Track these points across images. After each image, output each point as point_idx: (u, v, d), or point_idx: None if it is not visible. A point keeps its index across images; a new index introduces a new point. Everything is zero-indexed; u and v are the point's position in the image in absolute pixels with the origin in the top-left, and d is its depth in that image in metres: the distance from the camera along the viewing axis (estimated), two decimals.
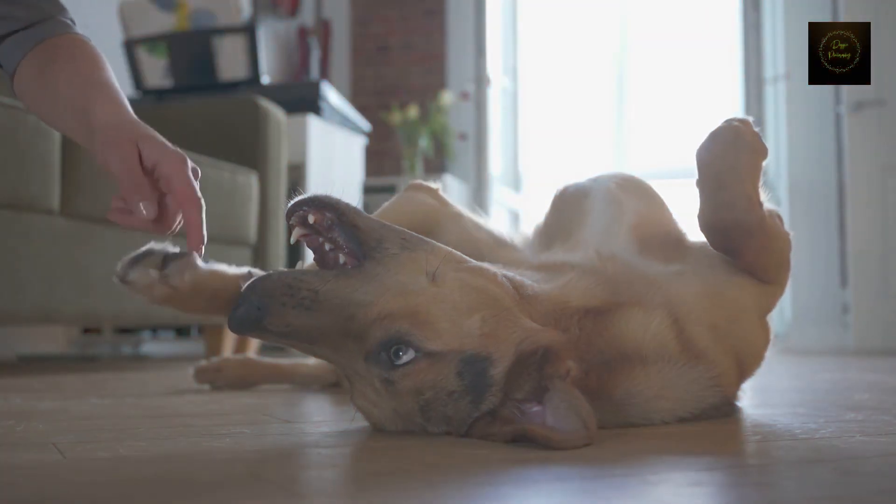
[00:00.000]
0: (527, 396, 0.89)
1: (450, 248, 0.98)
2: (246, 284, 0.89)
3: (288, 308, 0.87)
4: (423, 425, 0.92)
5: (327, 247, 0.93)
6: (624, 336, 1.00)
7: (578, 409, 0.86)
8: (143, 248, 1.12)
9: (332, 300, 0.88)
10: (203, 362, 1.70)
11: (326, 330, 0.88)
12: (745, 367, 1.11)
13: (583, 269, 1.07)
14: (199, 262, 1.05)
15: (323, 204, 0.92)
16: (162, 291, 1.04)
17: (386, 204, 1.29)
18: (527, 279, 1.02)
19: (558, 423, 0.86)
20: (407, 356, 0.87)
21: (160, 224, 1.03)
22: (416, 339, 0.87)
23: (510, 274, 1.00)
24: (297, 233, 0.93)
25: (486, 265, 0.99)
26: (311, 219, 0.92)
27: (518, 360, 0.90)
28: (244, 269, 1.06)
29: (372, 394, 0.92)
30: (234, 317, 0.88)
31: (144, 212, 1.00)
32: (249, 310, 0.87)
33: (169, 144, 1.04)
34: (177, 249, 1.08)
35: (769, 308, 1.15)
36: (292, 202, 0.93)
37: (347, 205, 0.94)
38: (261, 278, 0.89)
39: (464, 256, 0.98)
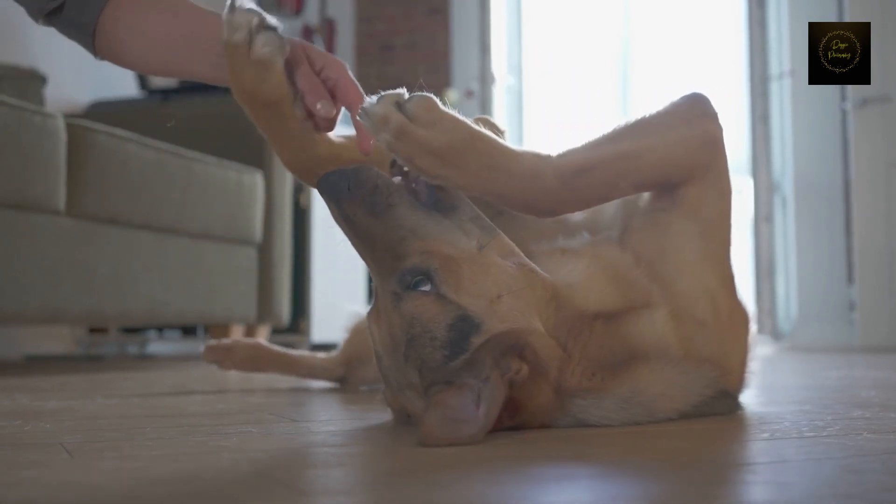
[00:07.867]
0: (488, 377, 0.92)
1: (512, 243, 1.02)
2: (354, 167, 0.97)
3: (364, 205, 0.96)
4: (402, 367, 0.95)
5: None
6: (632, 336, 1.01)
7: (489, 409, 0.90)
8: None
9: (397, 220, 0.97)
10: (214, 341, 1.70)
11: (378, 238, 0.97)
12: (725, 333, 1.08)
13: (588, 259, 1.06)
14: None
15: None
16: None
17: None
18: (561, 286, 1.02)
19: (475, 412, 0.90)
20: (424, 287, 0.94)
21: (328, 123, 1.11)
22: (439, 279, 0.94)
23: (556, 282, 1.01)
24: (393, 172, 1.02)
25: (534, 265, 1.01)
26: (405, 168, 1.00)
27: (493, 339, 0.93)
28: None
29: (382, 311, 0.98)
30: (328, 179, 0.97)
31: (323, 111, 1.08)
32: (341, 182, 0.96)
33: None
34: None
35: (714, 230, 1.07)
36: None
37: None
38: (365, 168, 0.98)
39: (520, 252, 1.02)
